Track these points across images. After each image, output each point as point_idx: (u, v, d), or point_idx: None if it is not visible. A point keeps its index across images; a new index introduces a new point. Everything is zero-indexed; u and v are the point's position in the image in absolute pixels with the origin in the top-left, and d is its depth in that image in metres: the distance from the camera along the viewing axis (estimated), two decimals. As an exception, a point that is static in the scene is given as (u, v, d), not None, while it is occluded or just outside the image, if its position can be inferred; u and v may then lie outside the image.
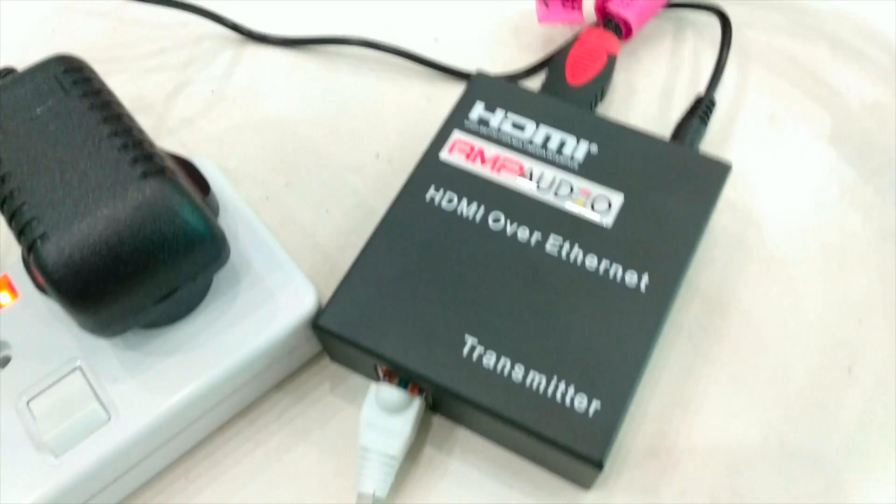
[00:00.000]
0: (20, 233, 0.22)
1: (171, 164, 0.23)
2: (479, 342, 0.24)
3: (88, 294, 0.21)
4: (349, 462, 0.26)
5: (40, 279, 0.22)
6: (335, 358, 0.28)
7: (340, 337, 0.25)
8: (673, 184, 0.27)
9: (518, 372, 0.24)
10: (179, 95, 0.35)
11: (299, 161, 0.33)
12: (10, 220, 0.22)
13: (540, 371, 0.24)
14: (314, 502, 0.26)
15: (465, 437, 0.27)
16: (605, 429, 0.23)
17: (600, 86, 0.31)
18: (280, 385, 0.28)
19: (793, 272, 0.29)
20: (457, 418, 0.27)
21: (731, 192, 0.31)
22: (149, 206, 0.22)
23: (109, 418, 0.24)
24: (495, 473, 0.26)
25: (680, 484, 0.26)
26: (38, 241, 0.21)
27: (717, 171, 0.27)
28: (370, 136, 0.34)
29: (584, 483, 0.25)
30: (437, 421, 0.27)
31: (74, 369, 0.25)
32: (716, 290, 0.29)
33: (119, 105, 0.24)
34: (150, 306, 0.23)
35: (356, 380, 0.28)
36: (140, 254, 0.22)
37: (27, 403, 0.24)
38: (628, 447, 0.26)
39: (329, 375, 0.28)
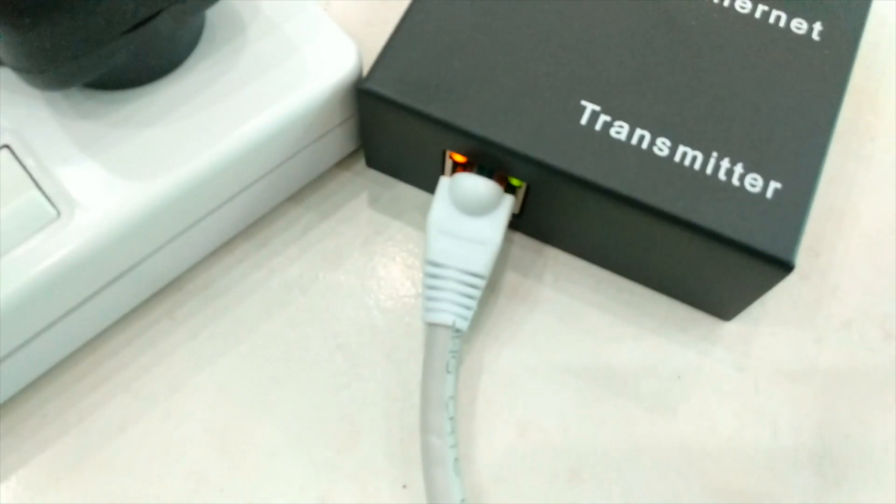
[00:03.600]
0: None
1: None
2: (603, 110, 0.17)
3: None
4: (401, 293, 0.19)
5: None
6: (375, 159, 0.20)
7: (402, 105, 0.17)
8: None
9: (662, 147, 0.17)
10: None
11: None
12: None
13: (692, 146, 0.17)
14: (357, 345, 0.19)
15: (556, 259, 0.20)
16: (790, 214, 0.16)
17: None
18: (298, 197, 0.20)
19: (947, 62, 0.23)
20: (546, 233, 0.20)
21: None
22: None
23: (59, 214, 0.16)
24: (602, 303, 0.19)
25: (842, 313, 0.20)
26: None
27: None
28: None
29: (724, 311, 0.19)
30: (519, 240, 0.20)
31: (0, 147, 0.16)
32: (863, 82, 0.23)
33: None
34: (117, 37, 0.15)
35: (404, 189, 0.20)
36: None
37: (-75, 196, 0.16)
38: (773, 268, 0.20)
39: (366, 184, 0.21)
